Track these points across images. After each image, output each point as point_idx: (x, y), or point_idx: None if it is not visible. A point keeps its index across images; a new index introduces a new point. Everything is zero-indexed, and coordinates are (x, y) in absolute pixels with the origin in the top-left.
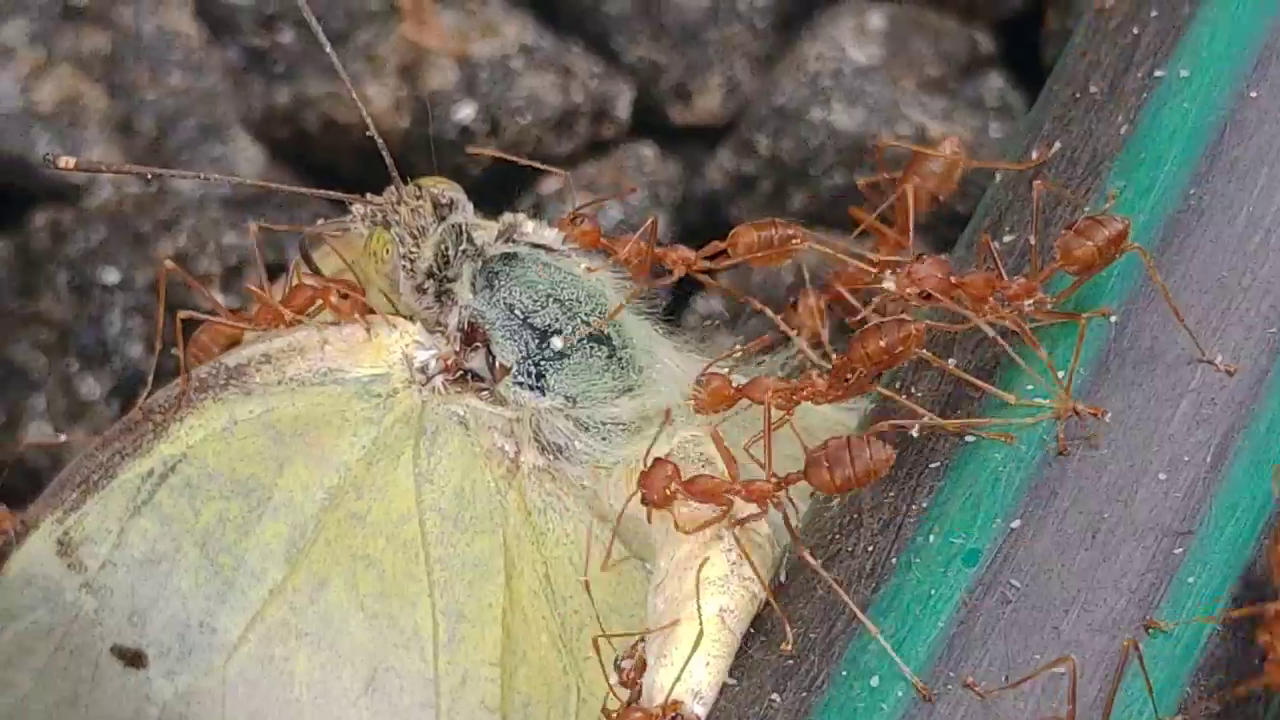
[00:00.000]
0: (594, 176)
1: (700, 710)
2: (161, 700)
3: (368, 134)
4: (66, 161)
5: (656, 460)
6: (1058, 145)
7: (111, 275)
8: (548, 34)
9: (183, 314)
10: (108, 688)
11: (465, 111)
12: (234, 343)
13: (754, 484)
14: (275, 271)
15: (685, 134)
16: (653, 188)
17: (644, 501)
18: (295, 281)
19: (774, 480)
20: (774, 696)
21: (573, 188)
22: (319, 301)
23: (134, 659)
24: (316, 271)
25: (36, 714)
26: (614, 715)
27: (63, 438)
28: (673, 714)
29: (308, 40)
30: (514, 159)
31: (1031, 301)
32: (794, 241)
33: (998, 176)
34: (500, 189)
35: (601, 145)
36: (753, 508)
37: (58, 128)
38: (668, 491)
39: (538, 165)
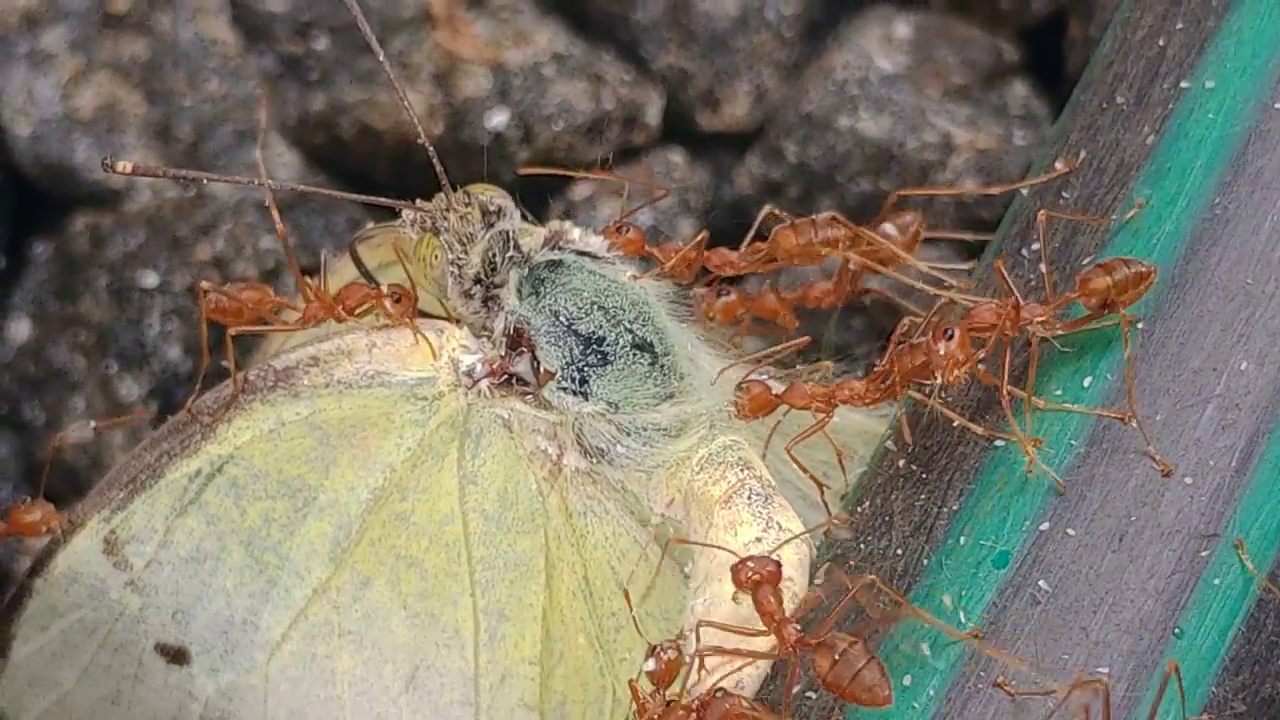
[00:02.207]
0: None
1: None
2: (204, 697)
3: (418, 140)
4: (124, 166)
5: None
6: (1083, 153)
7: (150, 279)
8: (579, 42)
9: (206, 285)
10: (151, 685)
11: (499, 118)
12: (257, 319)
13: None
14: (308, 273)
15: (714, 140)
16: (682, 193)
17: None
18: (327, 281)
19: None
20: (810, 695)
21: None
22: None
23: (177, 656)
24: (367, 274)
25: (79, 711)
26: (645, 703)
27: (91, 425)
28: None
29: (342, 47)
30: (570, 173)
31: (1042, 321)
32: (833, 245)
33: (1023, 190)
34: (533, 194)
35: (632, 151)
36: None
37: (97, 134)
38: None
39: (589, 175)
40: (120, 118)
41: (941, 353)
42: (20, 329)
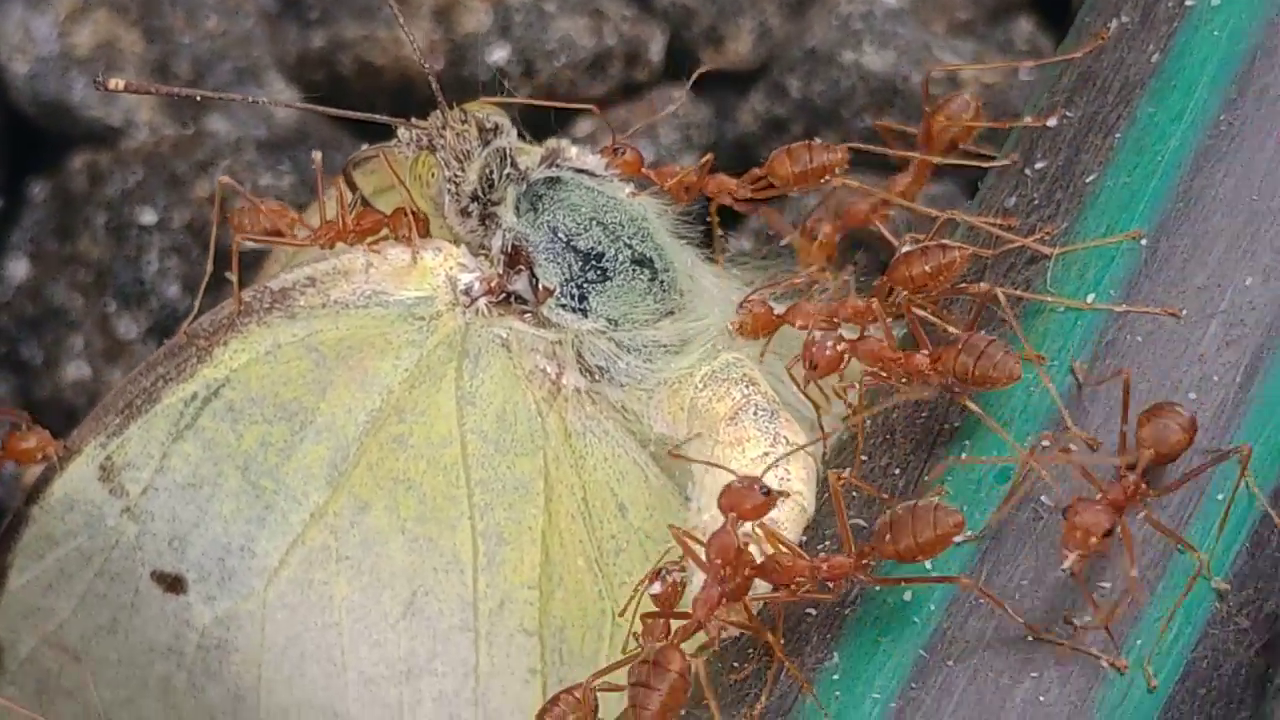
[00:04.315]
0: (626, 119)
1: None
2: (200, 625)
3: (420, 64)
4: (116, 83)
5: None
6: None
7: (149, 216)
8: None
9: (223, 179)
10: (147, 613)
11: (499, 54)
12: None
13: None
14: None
15: (716, 78)
16: (684, 130)
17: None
18: (330, 204)
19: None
20: (810, 610)
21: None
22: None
23: (174, 584)
24: (362, 199)
25: (76, 640)
26: (647, 622)
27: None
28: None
29: None
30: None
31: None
32: (832, 169)
33: (1026, 117)
34: (533, 130)
35: (634, 88)
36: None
37: (94, 71)
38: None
39: (575, 105)
40: (118, 55)
41: (944, 257)
42: (18, 268)
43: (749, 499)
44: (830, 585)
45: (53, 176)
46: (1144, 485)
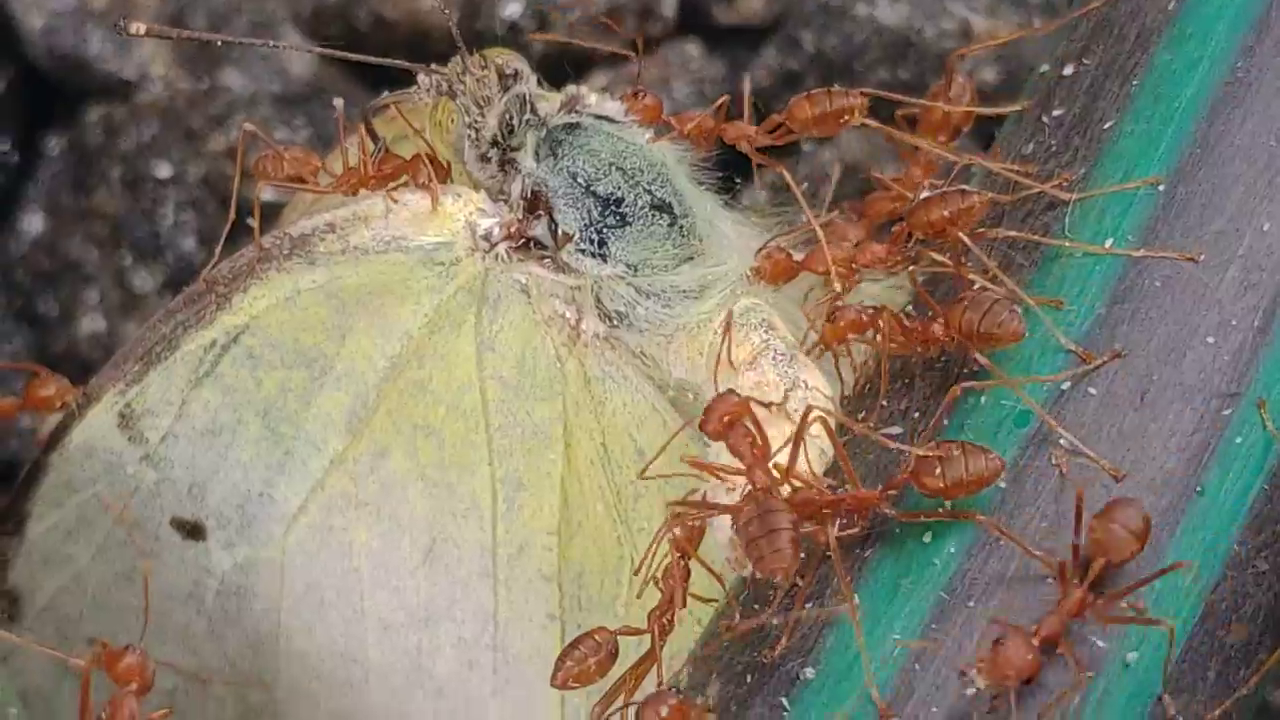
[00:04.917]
0: (640, 74)
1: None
2: (220, 572)
3: (443, 10)
4: (137, 27)
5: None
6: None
7: (164, 170)
8: None
9: (247, 125)
10: (167, 560)
11: (513, 7)
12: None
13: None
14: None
15: (730, 33)
16: (698, 85)
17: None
18: (352, 151)
19: None
20: (829, 554)
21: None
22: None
23: (193, 531)
24: (380, 144)
25: (94, 588)
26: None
27: None
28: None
29: None
30: (579, 42)
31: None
32: (851, 113)
33: (1044, 66)
34: (549, 83)
35: (647, 43)
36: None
37: (110, 25)
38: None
39: (610, 48)
40: (134, 9)
41: (963, 202)
42: (34, 222)
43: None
44: (855, 517)
45: (68, 130)
46: (1091, 596)
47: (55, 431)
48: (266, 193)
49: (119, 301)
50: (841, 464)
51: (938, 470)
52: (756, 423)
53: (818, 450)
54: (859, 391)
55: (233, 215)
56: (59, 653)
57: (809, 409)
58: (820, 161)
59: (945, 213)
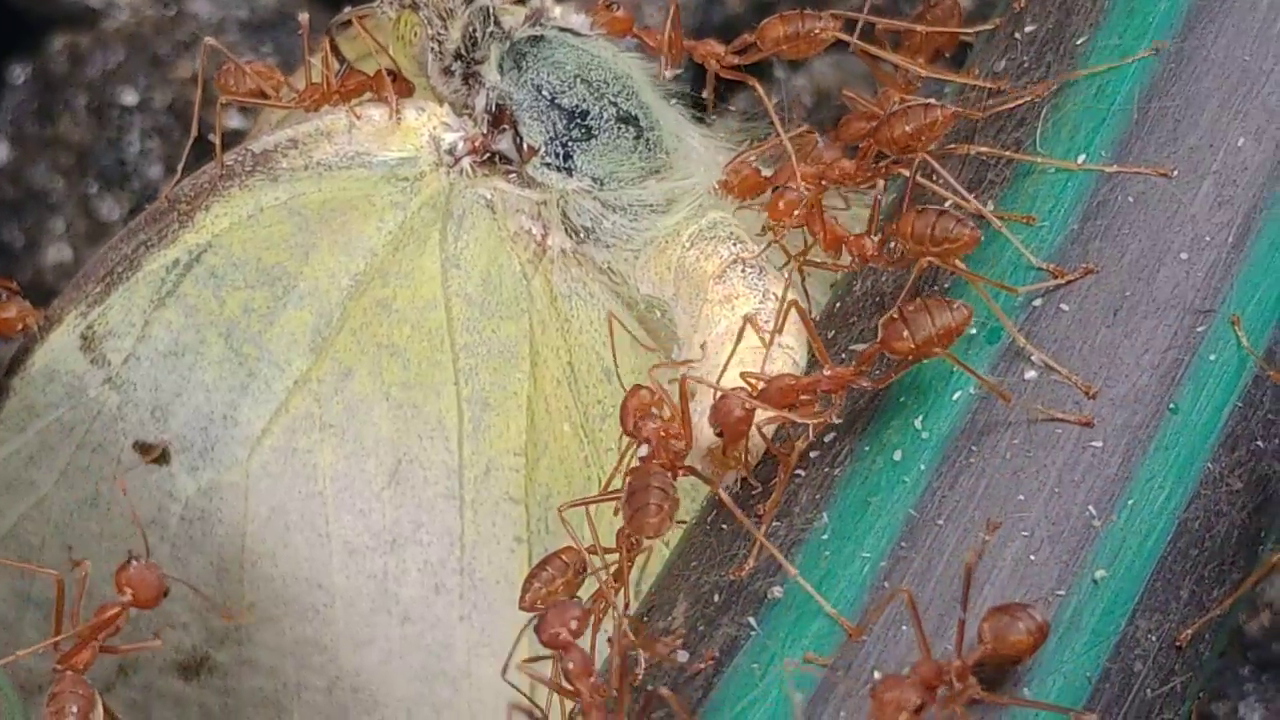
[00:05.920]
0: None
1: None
2: (184, 496)
3: None
4: None
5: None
6: None
7: (130, 97)
8: None
9: (209, 40)
10: (130, 485)
11: None
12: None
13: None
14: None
15: None
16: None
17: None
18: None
19: None
20: (799, 472)
21: None
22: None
23: (157, 455)
24: (345, 62)
25: (58, 514)
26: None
27: None
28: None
29: None
30: None
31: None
32: (822, 32)
33: None
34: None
35: None
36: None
37: None
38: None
39: None
40: None
41: (926, 116)
42: None
43: None
44: (832, 399)
45: (33, 59)
46: (973, 681)
47: (16, 354)
48: (233, 119)
49: (85, 230)
50: (814, 345)
51: (904, 332)
52: (674, 408)
53: (790, 361)
54: (829, 311)
55: (194, 132)
56: (30, 565)
57: (787, 288)
58: (793, 87)
59: (909, 128)
